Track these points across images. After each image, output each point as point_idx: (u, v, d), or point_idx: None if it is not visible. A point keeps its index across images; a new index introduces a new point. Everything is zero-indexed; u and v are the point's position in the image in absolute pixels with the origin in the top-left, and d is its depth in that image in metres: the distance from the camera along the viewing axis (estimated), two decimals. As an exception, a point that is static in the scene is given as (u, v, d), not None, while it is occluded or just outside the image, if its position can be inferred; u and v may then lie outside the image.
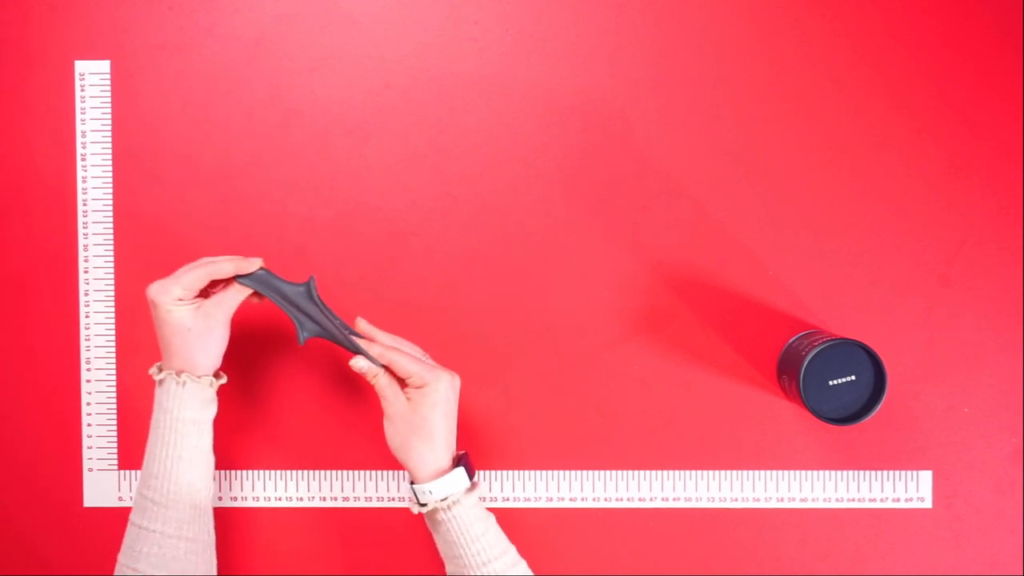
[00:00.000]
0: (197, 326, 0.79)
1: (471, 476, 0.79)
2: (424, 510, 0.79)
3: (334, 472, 0.91)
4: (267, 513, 0.91)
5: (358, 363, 0.80)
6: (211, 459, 0.81)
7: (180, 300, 0.78)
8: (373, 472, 0.91)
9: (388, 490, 0.91)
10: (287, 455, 0.91)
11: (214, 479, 0.82)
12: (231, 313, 0.80)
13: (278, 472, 0.91)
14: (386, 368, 0.80)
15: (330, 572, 0.91)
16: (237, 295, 0.80)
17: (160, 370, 0.80)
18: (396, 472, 0.91)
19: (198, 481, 0.79)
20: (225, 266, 0.79)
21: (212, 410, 0.81)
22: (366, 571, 0.91)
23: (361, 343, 0.80)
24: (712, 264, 0.90)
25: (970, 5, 0.89)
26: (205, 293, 0.81)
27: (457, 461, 0.80)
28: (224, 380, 0.82)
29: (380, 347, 0.80)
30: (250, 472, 0.91)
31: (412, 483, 0.79)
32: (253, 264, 0.81)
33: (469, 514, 0.78)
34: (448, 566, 0.80)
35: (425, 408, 0.78)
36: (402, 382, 0.80)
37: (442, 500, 0.78)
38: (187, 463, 0.78)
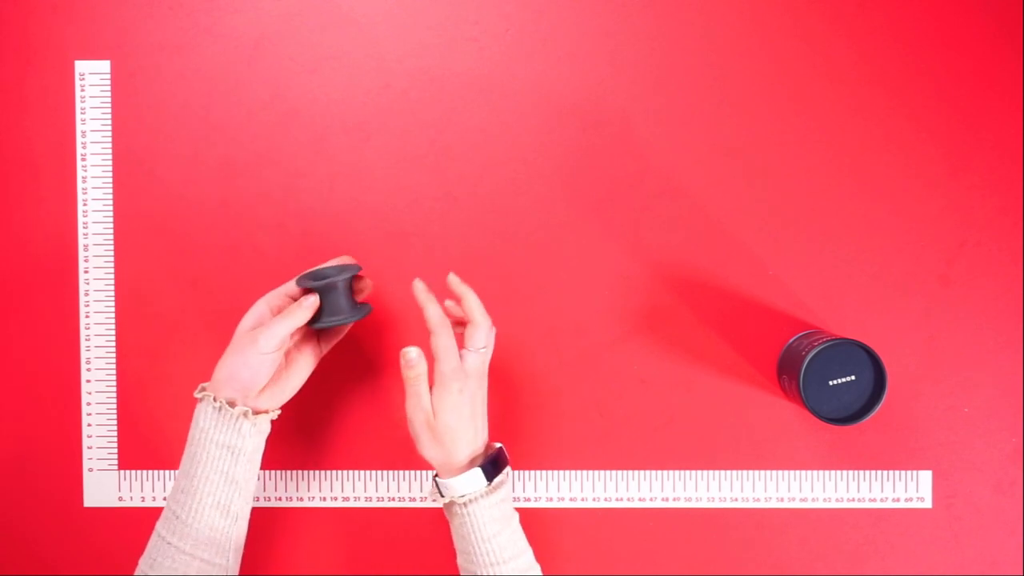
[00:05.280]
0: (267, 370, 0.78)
1: (496, 474, 0.78)
2: (442, 502, 0.79)
3: (334, 472, 0.91)
4: (267, 513, 0.90)
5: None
6: (245, 491, 0.78)
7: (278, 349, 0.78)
8: (374, 472, 0.91)
9: (390, 490, 0.91)
10: (287, 455, 0.91)
11: (249, 506, 0.80)
12: (281, 354, 0.79)
13: (278, 472, 0.91)
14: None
15: (332, 572, 0.91)
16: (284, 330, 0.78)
17: (203, 391, 0.79)
18: (399, 472, 0.91)
19: (222, 506, 0.77)
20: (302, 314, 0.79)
21: (252, 441, 0.78)
22: (368, 571, 0.91)
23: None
24: (712, 264, 0.90)
25: (970, 5, 0.89)
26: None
27: (484, 457, 0.79)
28: (273, 415, 0.80)
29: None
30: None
31: (436, 476, 0.79)
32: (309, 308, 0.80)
33: (485, 514, 0.77)
34: (459, 557, 0.80)
35: (444, 413, 0.77)
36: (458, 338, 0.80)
37: (460, 496, 0.77)
38: (213, 486, 0.77)
